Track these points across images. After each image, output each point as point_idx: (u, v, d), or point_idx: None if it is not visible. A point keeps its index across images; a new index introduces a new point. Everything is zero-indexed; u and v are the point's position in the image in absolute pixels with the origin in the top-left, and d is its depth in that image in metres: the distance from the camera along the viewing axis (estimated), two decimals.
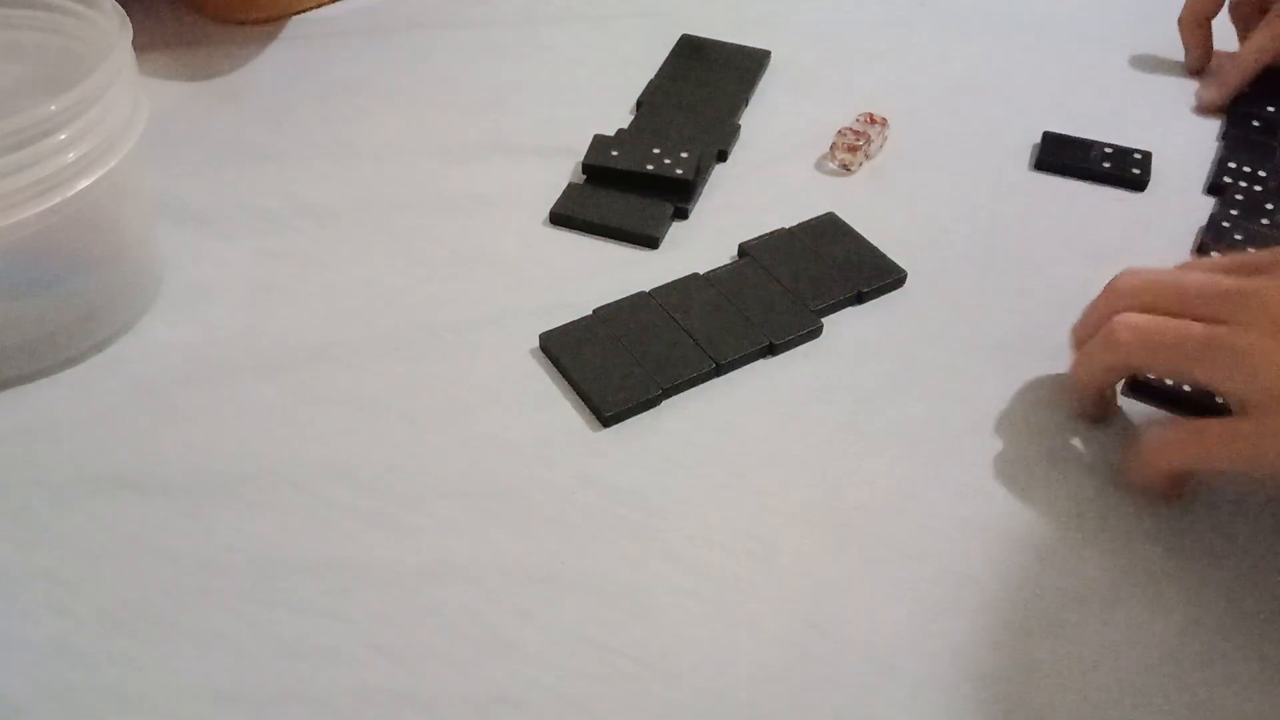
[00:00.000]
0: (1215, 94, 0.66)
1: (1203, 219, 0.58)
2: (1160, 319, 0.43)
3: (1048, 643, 0.40)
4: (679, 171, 0.57)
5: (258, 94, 0.65)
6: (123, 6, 0.47)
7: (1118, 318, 0.45)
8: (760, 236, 0.55)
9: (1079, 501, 0.45)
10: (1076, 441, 0.47)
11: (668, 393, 0.48)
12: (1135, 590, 0.42)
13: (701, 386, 0.49)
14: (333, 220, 0.56)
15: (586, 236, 0.56)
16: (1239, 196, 0.59)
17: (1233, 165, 0.61)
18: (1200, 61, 0.69)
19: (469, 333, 0.51)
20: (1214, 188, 0.60)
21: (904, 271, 0.54)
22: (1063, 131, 0.63)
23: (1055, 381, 0.50)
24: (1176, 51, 0.70)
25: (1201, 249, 0.56)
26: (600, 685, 0.38)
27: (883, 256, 0.55)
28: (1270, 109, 0.65)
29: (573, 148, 0.61)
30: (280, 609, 0.40)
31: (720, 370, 0.49)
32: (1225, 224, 0.57)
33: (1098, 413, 0.48)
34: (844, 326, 0.52)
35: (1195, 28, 0.68)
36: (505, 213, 0.57)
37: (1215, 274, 0.44)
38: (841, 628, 0.40)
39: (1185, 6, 0.69)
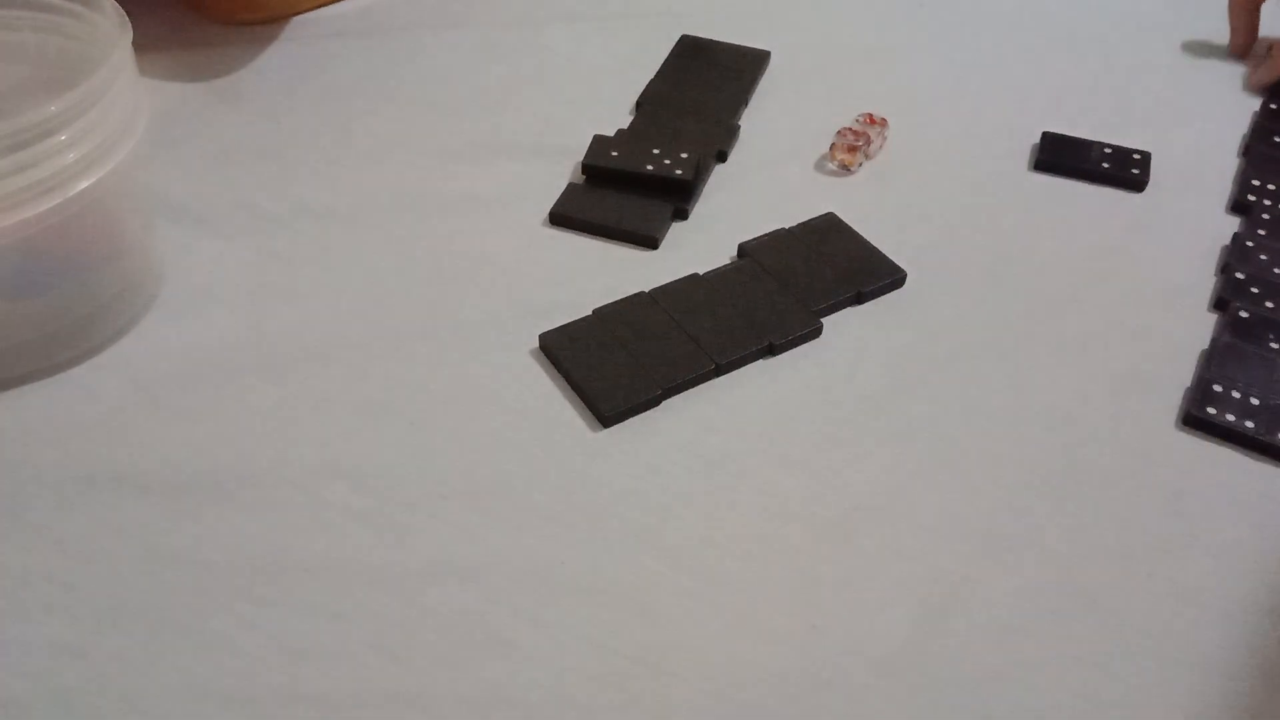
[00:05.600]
0: (1264, 77, 0.68)
1: (1203, 218, 0.59)
2: None
3: (1048, 643, 0.40)
4: (679, 172, 0.57)
5: (258, 94, 0.65)
6: (123, 6, 0.47)
7: None
8: (760, 236, 0.55)
9: (1079, 501, 0.45)
10: (1075, 441, 0.47)
11: (668, 393, 0.48)
12: (1130, 590, 0.42)
13: (701, 386, 0.49)
14: (333, 220, 0.56)
15: (586, 236, 0.56)
16: (1265, 216, 0.58)
17: (1256, 183, 0.60)
18: (1245, 46, 0.70)
19: (469, 333, 0.51)
20: (1238, 205, 0.59)
21: (904, 271, 0.54)
22: (1062, 131, 0.63)
23: (1055, 381, 0.50)
24: (1176, 52, 0.70)
25: (1225, 270, 0.55)
26: (600, 685, 0.38)
27: (883, 256, 0.55)
28: None
29: (573, 148, 0.61)
30: (280, 609, 0.40)
31: (720, 370, 0.49)
32: (1250, 243, 0.56)
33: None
34: (844, 326, 0.52)
35: (1244, 12, 0.70)
36: (505, 213, 0.57)
37: None
38: (841, 628, 0.40)
39: None
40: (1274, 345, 0.50)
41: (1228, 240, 0.57)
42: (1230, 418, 0.47)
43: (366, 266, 0.54)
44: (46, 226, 0.43)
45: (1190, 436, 0.48)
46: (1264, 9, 0.69)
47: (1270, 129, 0.64)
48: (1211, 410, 0.48)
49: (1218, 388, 0.48)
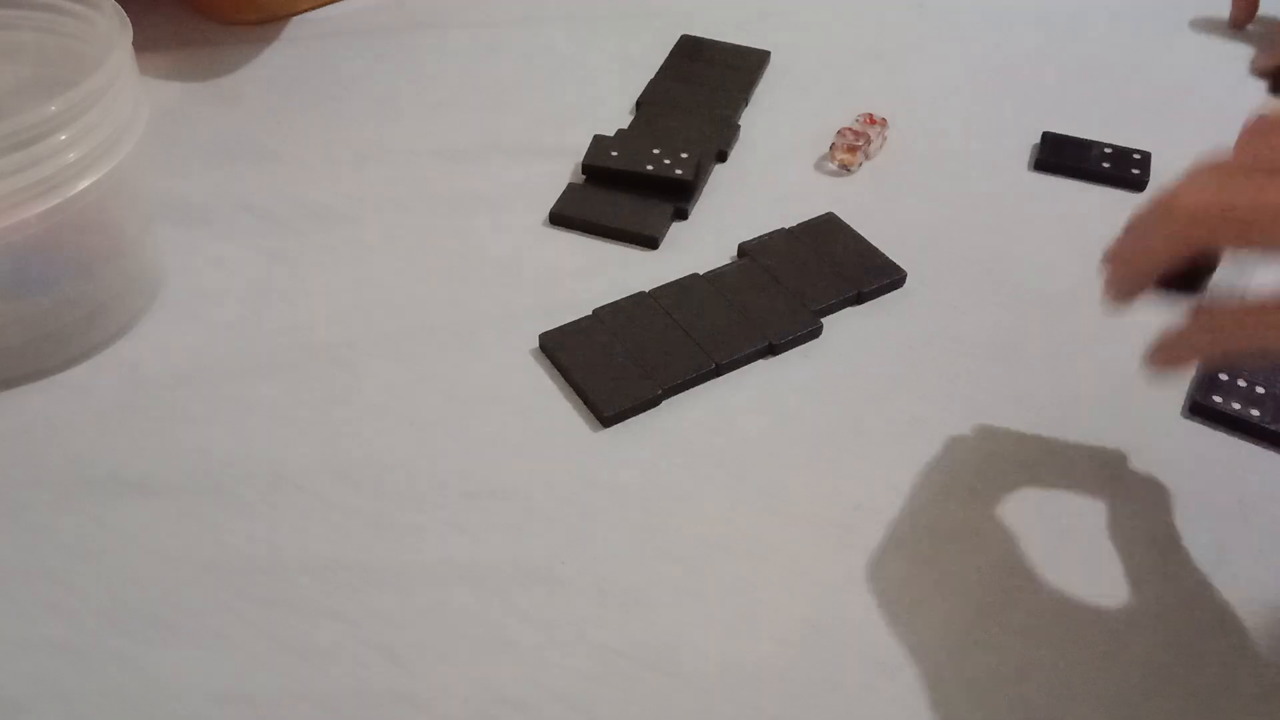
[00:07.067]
0: (1265, 61, 0.70)
1: None
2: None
3: (1047, 642, 0.40)
4: (679, 172, 0.57)
5: (258, 94, 0.65)
6: (123, 6, 0.47)
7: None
8: (760, 236, 0.55)
9: (1078, 501, 0.45)
10: (1075, 441, 0.47)
11: (668, 393, 0.48)
12: (1133, 586, 0.42)
13: (701, 386, 0.49)
14: (333, 220, 0.56)
15: (586, 236, 0.56)
16: None
17: None
18: (1243, 18, 0.72)
19: (469, 333, 0.51)
20: None
21: (904, 271, 0.54)
22: (1062, 131, 0.63)
23: (1054, 381, 0.50)
24: (1175, 52, 0.70)
25: None
26: (600, 685, 0.38)
27: (882, 256, 0.55)
28: None
29: (573, 148, 0.61)
30: (280, 609, 0.40)
31: (720, 370, 0.49)
32: None
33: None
34: (844, 326, 0.52)
35: None
36: (505, 213, 0.57)
37: None
38: (841, 628, 0.40)
39: None
40: None
41: None
42: (1236, 406, 0.48)
43: (366, 266, 0.54)
44: (46, 226, 0.43)
45: (1196, 425, 0.48)
46: None
47: None
48: (1217, 399, 0.48)
49: (1224, 376, 0.49)
